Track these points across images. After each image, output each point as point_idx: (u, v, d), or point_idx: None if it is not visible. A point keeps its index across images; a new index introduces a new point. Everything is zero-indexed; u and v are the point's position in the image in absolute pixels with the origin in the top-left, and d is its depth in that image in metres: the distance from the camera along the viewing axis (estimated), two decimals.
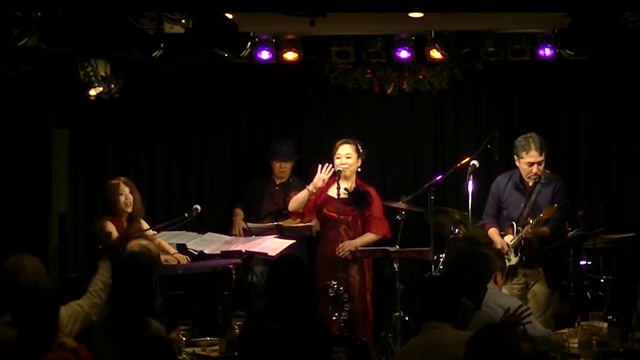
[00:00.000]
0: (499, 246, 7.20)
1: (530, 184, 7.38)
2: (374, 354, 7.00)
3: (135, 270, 5.17)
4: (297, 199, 7.71)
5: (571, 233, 7.65)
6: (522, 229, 7.21)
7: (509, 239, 7.32)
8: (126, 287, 5.04)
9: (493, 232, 7.39)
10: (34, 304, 4.35)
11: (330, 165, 7.60)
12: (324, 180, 7.61)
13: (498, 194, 7.50)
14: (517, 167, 7.41)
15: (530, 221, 7.14)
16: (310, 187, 7.64)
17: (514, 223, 7.34)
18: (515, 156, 7.39)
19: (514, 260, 7.29)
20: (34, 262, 5.02)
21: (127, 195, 7.39)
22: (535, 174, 7.30)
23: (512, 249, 7.24)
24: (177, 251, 7.32)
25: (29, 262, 4.99)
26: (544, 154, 7.29)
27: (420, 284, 7.58)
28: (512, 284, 7.34)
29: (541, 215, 7.10)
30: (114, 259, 6.82)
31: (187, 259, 7.28)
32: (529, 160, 7.28)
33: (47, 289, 4.75)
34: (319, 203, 7.76)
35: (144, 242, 6.45)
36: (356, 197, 7.58)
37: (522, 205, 7.37)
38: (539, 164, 7.28)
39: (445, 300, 4.32)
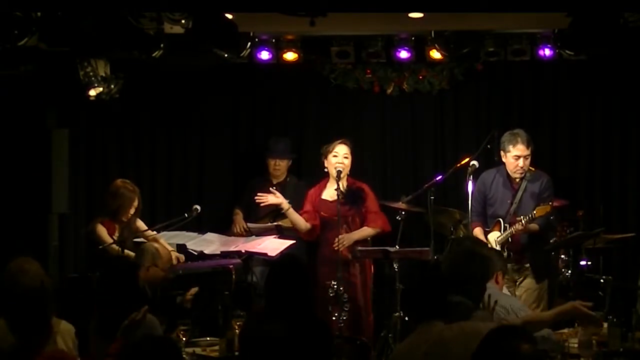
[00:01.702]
0: None
1: (517, 179, 7.35)
2: (374, 354, 6.99)
3: (119, 270, 5.19)
4: (293, 221, 7.66)
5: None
6: (510, 226, 7.17)
7: (495, 235, 7.28)
8: (111, 287, 5.07)
9: (478, 231, 7.35)
10: (24, 305, 4.35)
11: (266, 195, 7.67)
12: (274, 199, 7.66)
13: (484, 190, 7.45)
14: (503, 164, 7.39)
15: (522, 220, 7.09)
16: (284, 206, 7.62)
17: (500, 220, 7.30)
18: (502, 152, 7.35)
19: None
20: (35, 266, 5.05)
21: (135, 208, 7.28)
22: (522, 167, 7.27)
23: (498, 245, 7.21)
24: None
25: (31, 266, 5.02)
26: (530, 149, 7.26)
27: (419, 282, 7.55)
28: None
29: (534, 212, 7.06)
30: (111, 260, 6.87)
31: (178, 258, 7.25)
32: (516, 154, 7.25)
33: (36, 290, 4.75)
34: (316, 208, 7.74)
35: (156, 245, 6.49)
36: (351, 196, 7.57)
37: (509, 202, 7.34)
38: (525, 157, 7.26)
39: (435, 298, 4.31)
